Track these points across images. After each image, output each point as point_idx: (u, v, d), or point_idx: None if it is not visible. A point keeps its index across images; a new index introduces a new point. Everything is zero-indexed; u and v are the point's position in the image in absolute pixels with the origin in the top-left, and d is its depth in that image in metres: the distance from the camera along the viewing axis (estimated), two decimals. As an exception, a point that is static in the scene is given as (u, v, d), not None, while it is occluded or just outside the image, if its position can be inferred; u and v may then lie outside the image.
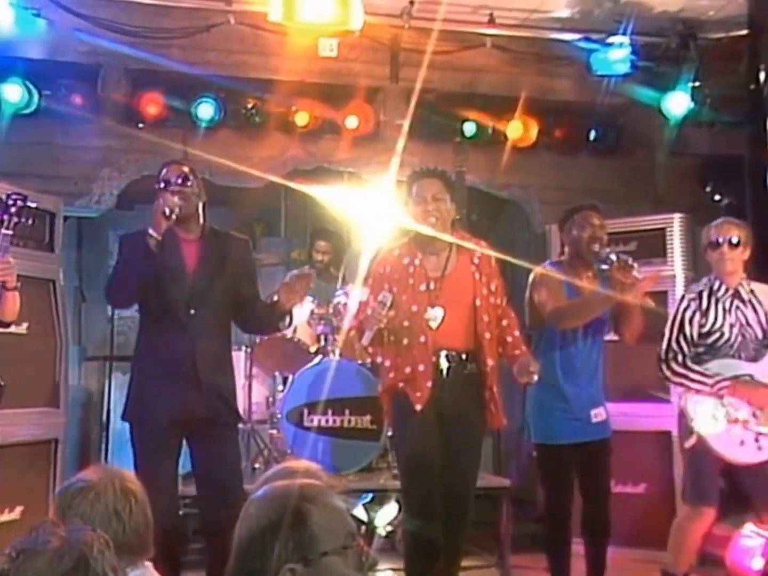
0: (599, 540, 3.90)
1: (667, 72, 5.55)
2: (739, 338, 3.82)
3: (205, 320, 3.55)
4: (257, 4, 5.10)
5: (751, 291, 3.88)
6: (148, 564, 2.14)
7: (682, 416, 3.85)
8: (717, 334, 3.81)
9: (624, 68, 5.40)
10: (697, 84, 5.52)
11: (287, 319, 3.75)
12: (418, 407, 3.50)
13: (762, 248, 5.01)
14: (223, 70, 5.39)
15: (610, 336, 4.02)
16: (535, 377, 3.49)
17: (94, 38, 5.13)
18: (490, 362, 3.56)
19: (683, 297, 3.95)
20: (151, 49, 5.18)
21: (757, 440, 3.73)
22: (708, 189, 6.06)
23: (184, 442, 3.59)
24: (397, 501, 4.97)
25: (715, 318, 3.82)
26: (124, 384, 6.04)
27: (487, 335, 3.57)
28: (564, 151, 5.82)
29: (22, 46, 5.06)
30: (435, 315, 3.55)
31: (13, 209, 3.19)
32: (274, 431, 5.36)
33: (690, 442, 3.75)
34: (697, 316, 3.82)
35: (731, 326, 3.81)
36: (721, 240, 3.82)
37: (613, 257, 3.70)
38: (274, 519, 1.58)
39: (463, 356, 3.57)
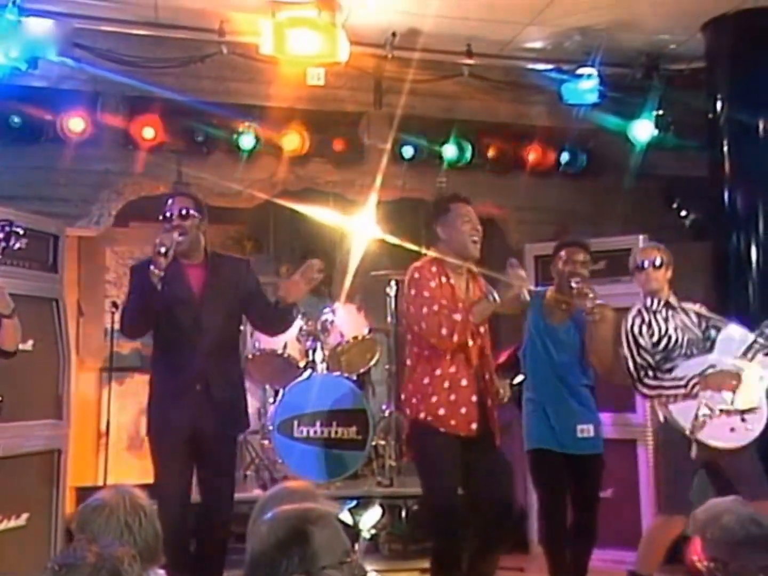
0: (584, 546, 4.03)
1: (633, 101, 5.71)
2: (686, 339, 4.01)
3: (215, 340, 3.70)
4: (249, 35, 5.20)
5: (680, 305, 4.10)
6: (161, 572, 2.29)
7: (668, 428, 3.95)
8: (666, 339, 3.99)
9: (593, 98, 5.53)
10: (660, 112, 5.70)
11: (294, 312, 3.82)
12: (461, 433, 3.53)
13: (721, 261, 5.28)
14: (216, 98, 5.49)
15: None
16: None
17: (94, 67, 5.23)
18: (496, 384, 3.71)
19: (625, 318, 4.07)
20: (147, 78, 5.28)
21: (744, 420, 3.86)
22: (674, 206, 6.28)
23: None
24: (381, 506, 5.18)
25: (659, 326, 4.01)
26: (121, 394, 6.30)
27: (491, 359, 3.72)
28: (537, 173, 5.97)
29: (25, 74, 5.08)
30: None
31: (0, 235, 3.22)
32: (266, 441, 5.51)
33: (694, 452, 3.83)
34: (644, 328, 4.00)
35: (675, 329, 4.01)
36: (646, 263, 4.05)
37: (573, 285, 3.94)
38: (282, 537, 1.77)
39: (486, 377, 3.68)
